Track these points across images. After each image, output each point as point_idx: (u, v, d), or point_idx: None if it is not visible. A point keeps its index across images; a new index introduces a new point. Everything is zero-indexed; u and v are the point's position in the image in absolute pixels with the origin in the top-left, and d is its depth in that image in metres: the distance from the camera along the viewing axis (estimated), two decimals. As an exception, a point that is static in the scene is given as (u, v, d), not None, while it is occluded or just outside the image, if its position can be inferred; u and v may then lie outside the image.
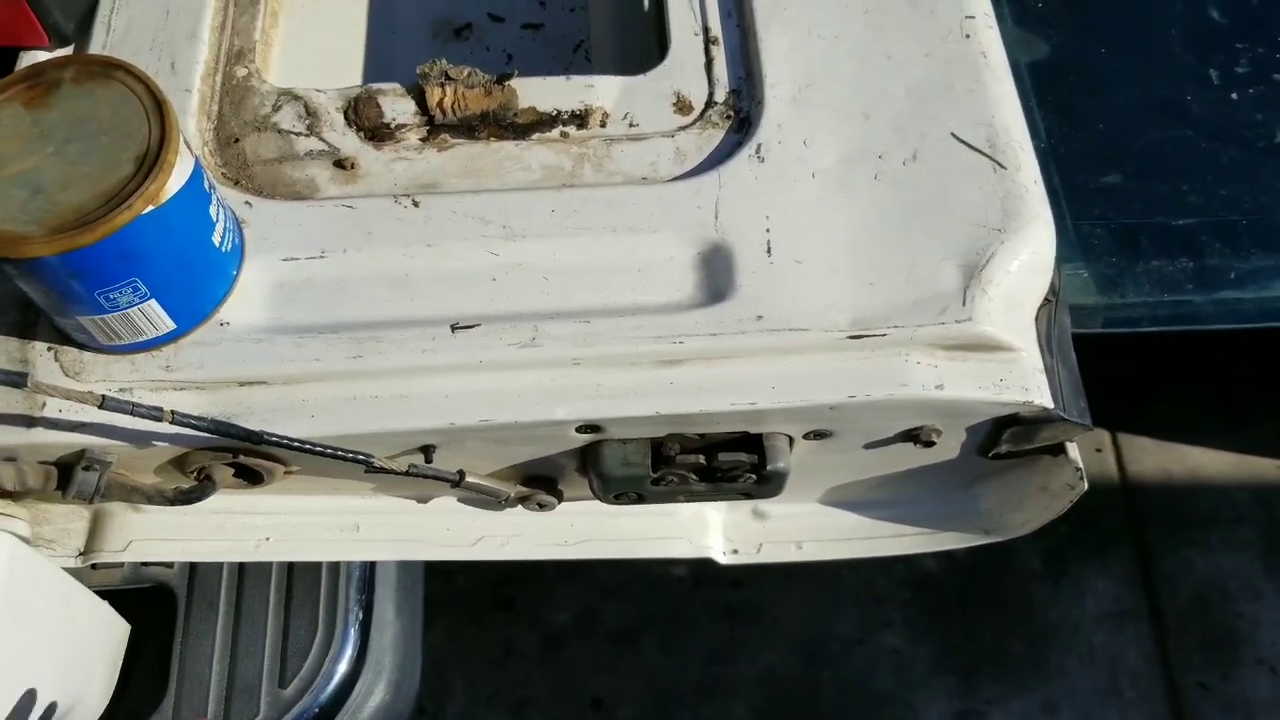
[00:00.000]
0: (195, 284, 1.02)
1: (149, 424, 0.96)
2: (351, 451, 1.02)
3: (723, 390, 1.05)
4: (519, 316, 1.06)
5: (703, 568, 2.87)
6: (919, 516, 1.31)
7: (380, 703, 1.34)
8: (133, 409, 0.92)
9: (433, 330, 1.05)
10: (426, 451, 1.08)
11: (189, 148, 0.98)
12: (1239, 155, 1.32)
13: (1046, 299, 1.15)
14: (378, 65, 1.57)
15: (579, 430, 1.08)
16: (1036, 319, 1.13)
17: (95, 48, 1.24)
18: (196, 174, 0.98)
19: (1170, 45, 1.43)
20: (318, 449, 0.99)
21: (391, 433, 1.04)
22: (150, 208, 0.91)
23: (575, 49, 1.69)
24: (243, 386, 1.04)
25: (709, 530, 1.30)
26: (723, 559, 1.30)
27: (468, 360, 1.03)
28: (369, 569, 1.34)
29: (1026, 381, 1.07)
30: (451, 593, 2.85)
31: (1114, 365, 3.03)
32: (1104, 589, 2.92)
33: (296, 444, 0.98)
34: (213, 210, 1.01)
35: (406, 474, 1.06)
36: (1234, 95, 1.38)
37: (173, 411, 0.94)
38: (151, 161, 0.91)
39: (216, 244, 1.02)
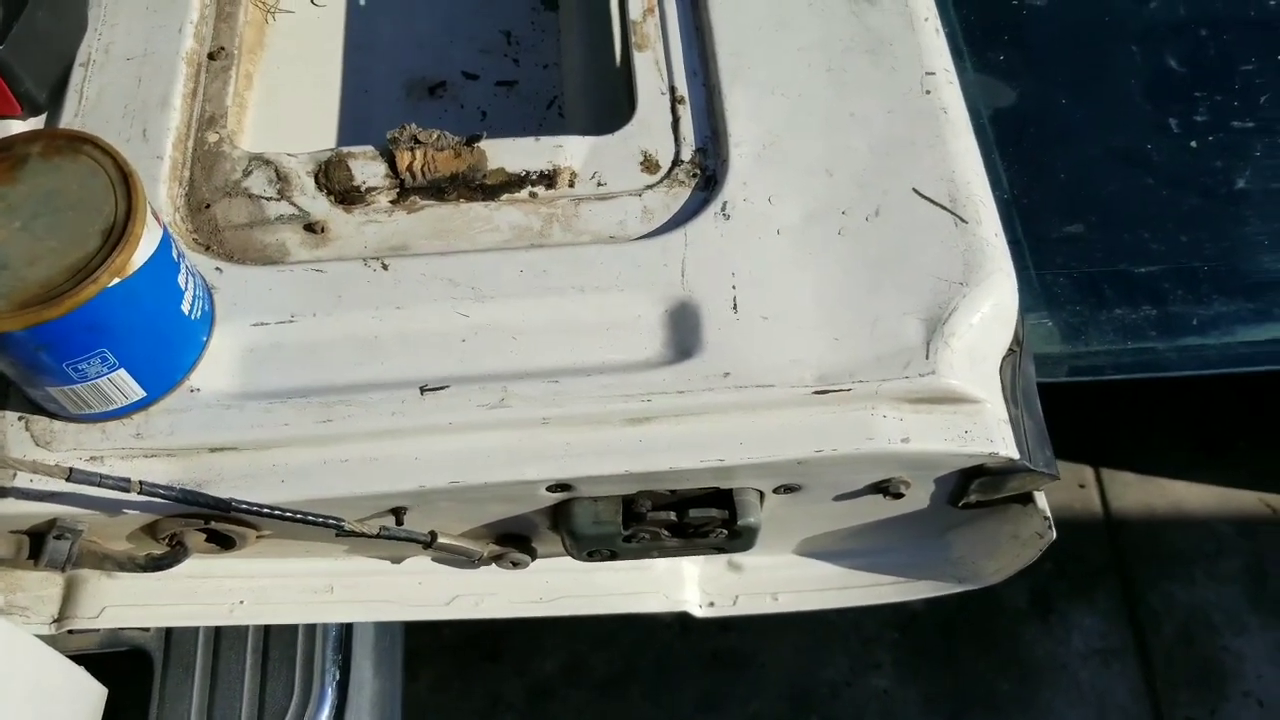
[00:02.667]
0: (164, 352, 1.03)
1: (118, 494, 0.96)
2: (322, 516, 1.02)
3: (692, 447, 1.05)
4: (488, 377, 1.07)
5: (691, 616, 2.86)
6: (893, 566, 1.31)
7: (359, 763, 1.32)
8: (100, 480, 0.92)
9: (402, 393, 1.05)
10: (398, 513, 1.08)
11: (157, 219, 0.98)
12: (1199, 202, 1.35)
13: (1011, 349, 1.16)
14: (352, 125, 1.59)
15: (549, 489, 1.08)
16: (1001, 370, 1.14)
17: (68, 116, 1.25)
18: (164, 244, 0.99)
19: (1130, 95, 1.46)
20: (287, 515, 0.99)
21: (362, 496, 1.04)
22: (117, 280, 0.92)
23: (549, 105, 1.71)
24: (213, 453, 1.04)
25: (685, 584, 1.30)
26: (699, 612, 1.30)
27: (437, 422, 1.04)
28: (345, 629, 1.33)
29: (991, 433, 1.08)
30: (438, 644, 2.83)
31: (1095, 401, 3.05)
32: (1090, 626, 2.91)
33: (266, 511, 0.98)
34: (181, 279, 1.02)
35: (378, 536, 1.06)
36: (1193, 143, 1.41)
37: (140, 482, 0.94)
38: (118, 235, 0.92)
39: (185, 312, 1.03)
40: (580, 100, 1.68)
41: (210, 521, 1.05)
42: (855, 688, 2.86)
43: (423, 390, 1.05)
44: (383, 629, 1.41)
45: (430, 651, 2.82)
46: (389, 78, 1.70)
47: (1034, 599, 2.96)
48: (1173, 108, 1.43)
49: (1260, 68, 1.48)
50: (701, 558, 1.32)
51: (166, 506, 1.02)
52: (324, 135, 1.57)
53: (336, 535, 1.04)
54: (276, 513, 0.98)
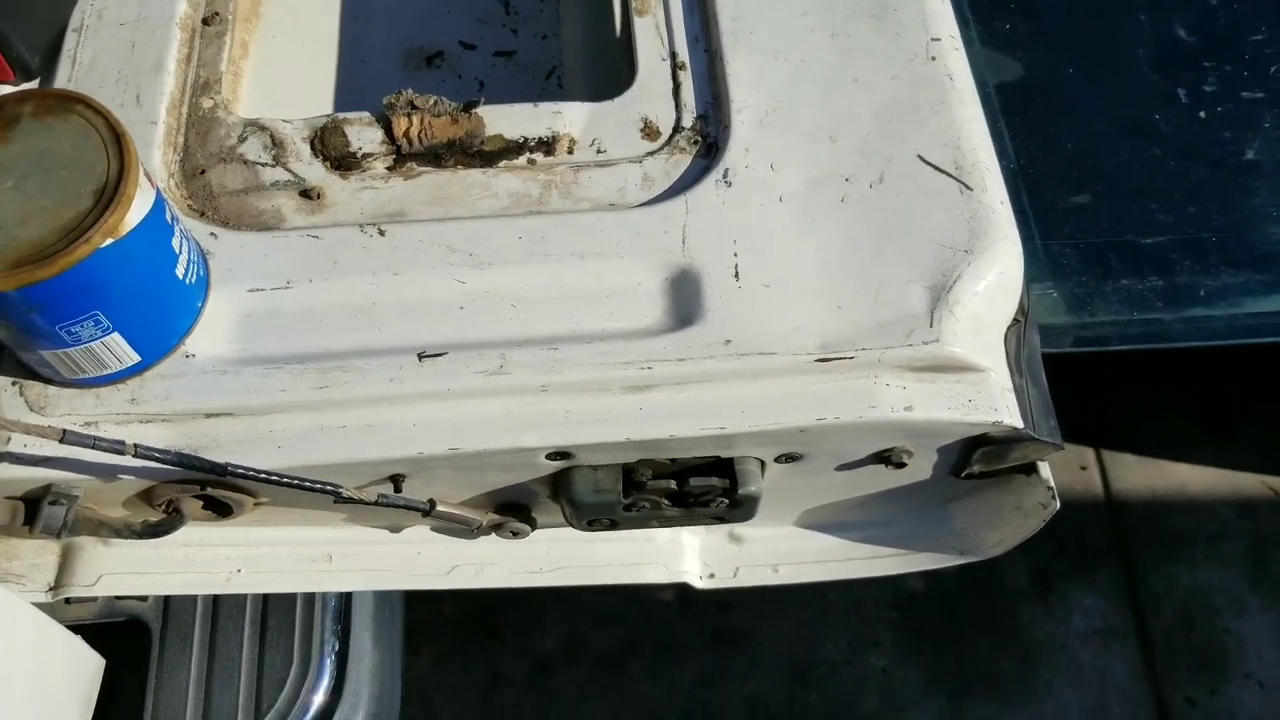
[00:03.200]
0: (159, 316, 1.01)
1: (112, 458, 0.95)
2: (319, 482, 1.01)
3: (692, 415, 1.04)
4: (486, 344, 1.05)
5: (689, 591, 2.85)
6: (894, 538, 1.30)
7: (358, 732, 1.32)
8: (95, 443, 0.91)
9: (400, 359, 1.04)
10: (396, 481, 1.07)
11: (150, 180, 0.97)
12: (1208, 173, 1.33)
13: (1015, 319, 1.15)
14: (349, 94, 1.57)
15: (549, 457, 1.07)
16: (1005, 339, 1.13)
17: (60, 81, 1.23)
18: (158, 207, 0.97)
19: (1138, 65, 1.44)
20: (284, 480, 0.98)
21: (359, 463, 1.03)
22: (109, 241, 0.90)
23: (548, 76, 1.69)
24: (209, 418, 1.03)
25: (685, 555, 1.29)
26: (699, 584, 1.29)
27: (435, 389, 1.03)
28: (345, 600, 1.32)
29: (995, 401, 1.06)
30: (439, 620, 2.83)
31: (1098, 381, 3.04)
32: (1091, 606, 2.91)
33: (263, 476, 0.97)
34: (175, 242, 1.00)
35: (376, 504, 1.05)
36: (1202, 114, 1.39)
37: (135, 445, 0.93)
38: (110, 195, 0.90)
39: (180, 276, 1.02)
40: (579, 71, 1.67)
41: (207, 488, 1.04)
42: (854, 666, 2.86)
43: (421, 357, 1.04)
44: (382, 600, 1.41)
45: (431, 627, 2.82)
46: (386, 47, 1.68)
47: (1034, 579, 2.96)
48: (1181, 78, 1.41)
49: (1270, 37, 1.45)
50: (702, 530, 1.31)
51: (162, 472, 1.01)
52: (320, 103, 1.55)
53: (334, 502, 1.03)
54: (273, 478, 0.97)
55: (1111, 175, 1.33)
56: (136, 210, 0.92)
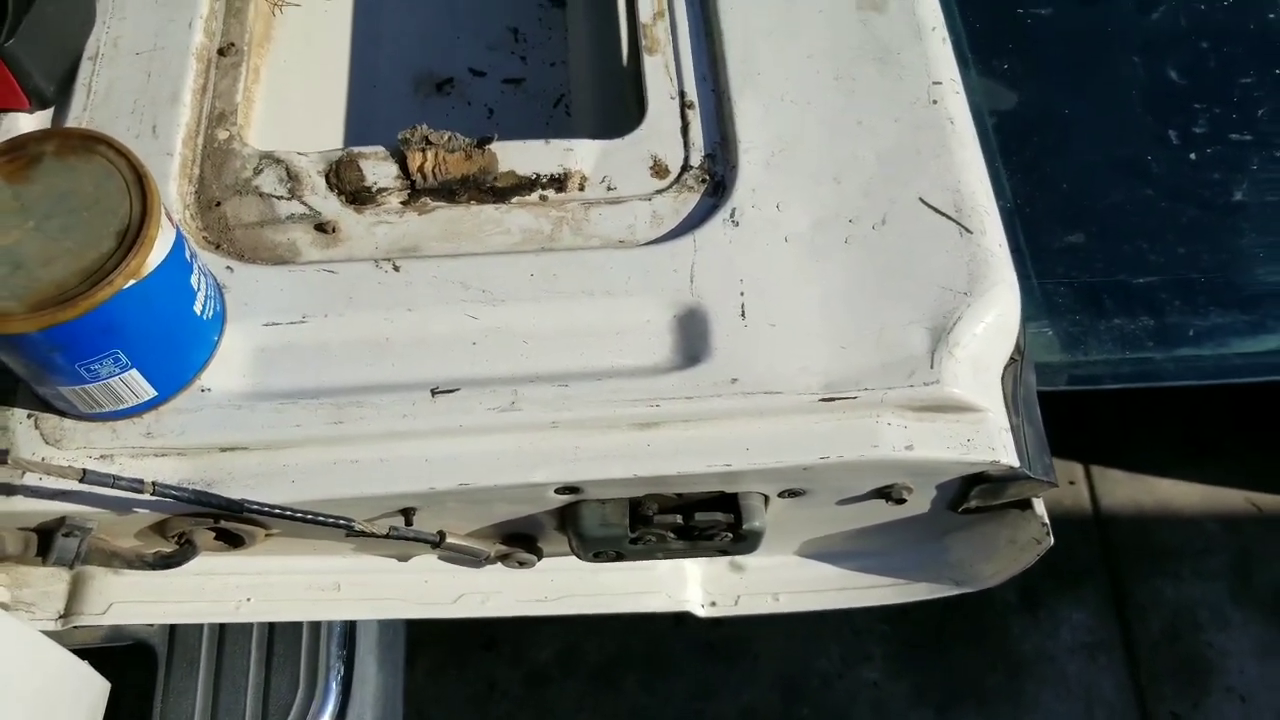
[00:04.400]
0: (176, 352, 1.02)
1: (131, 495, 0.96)
2: (333, 517, 1.02)
3: (699, 452, 1.06)
4: (498, 380, 1.07)
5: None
6: (892, 568, 1.32)
7: (361, 757, 1.33)
8: (114, 482, 0.92)
9: (413, 395, 1.05)
10: (407, 514, 1.08)
11: (170, 220, 0.98)
12: (1198, 214, 1.35)
13: (1012, 358, 1.17)
14: (360, 122, 1.58)
15: (558, 492, 1.08)
16: (1003, 378, 1.15)
17: (76, 111, 1.24)
18: (178, 245, 0.98)
19: (1131, 105, 1.47)
20: (299, 515, 0.99)
21: (372, 497, 1.04)
22: (131, 282, 0.91)
23: (555, 104, 1.71)
24: (224, 452, 1.04)
25: (687, 584, 1.31)
26: (701, 612, 1.31)
27: (447, 425, 1.04)
28: (350, 625, 1.33)
29: (993, 441, 1.08)
30: (435, 631, 2.84)
31: (1087, 399, 3.07)
32: (1078, 620, 2.94)
33: (278, 511, 0.98)
34: (194, 279, 1.02)
35: (387, 536, 1.06)
36: (1192, 155, 1.41)
37: (154, 484, 0.94)
38: (133, 237, 0.91)
39: (198, 312, 1.03)
40: (588, 99, 1.68)
41: (220, 520, 1.05)
42: (846, 679, 2.88)
43: (434, 392, 1.05)
44: (386, 625, 1.42)
45: (428, 638, 2.83)
46: (396, 73, 1.70)
47: (1023, 594, 2.99)
48: (1172, 119, 1.43)
49: (1259, 80, 1.48)
50: (705, 559, 1.33)
51: (177, 506, 1.02)
52: (331, 131, 1.57)
53: (346, 535, 1.05)
54: (288, 513, 0.98)
55: (1105, 215, 1.35)
56: (158, 251, 0.94)
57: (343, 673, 1.30)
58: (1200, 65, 1.50)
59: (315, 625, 1.29)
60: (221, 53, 1.33)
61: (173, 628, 1.30)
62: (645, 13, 1.36)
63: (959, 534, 1.29)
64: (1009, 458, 1.08)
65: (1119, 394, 3.11)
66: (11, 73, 1.22)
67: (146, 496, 0.95)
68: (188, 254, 1.01)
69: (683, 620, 2.88)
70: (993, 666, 2.91)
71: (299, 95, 1.59)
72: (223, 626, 1.29)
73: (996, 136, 1.41)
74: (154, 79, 1.27)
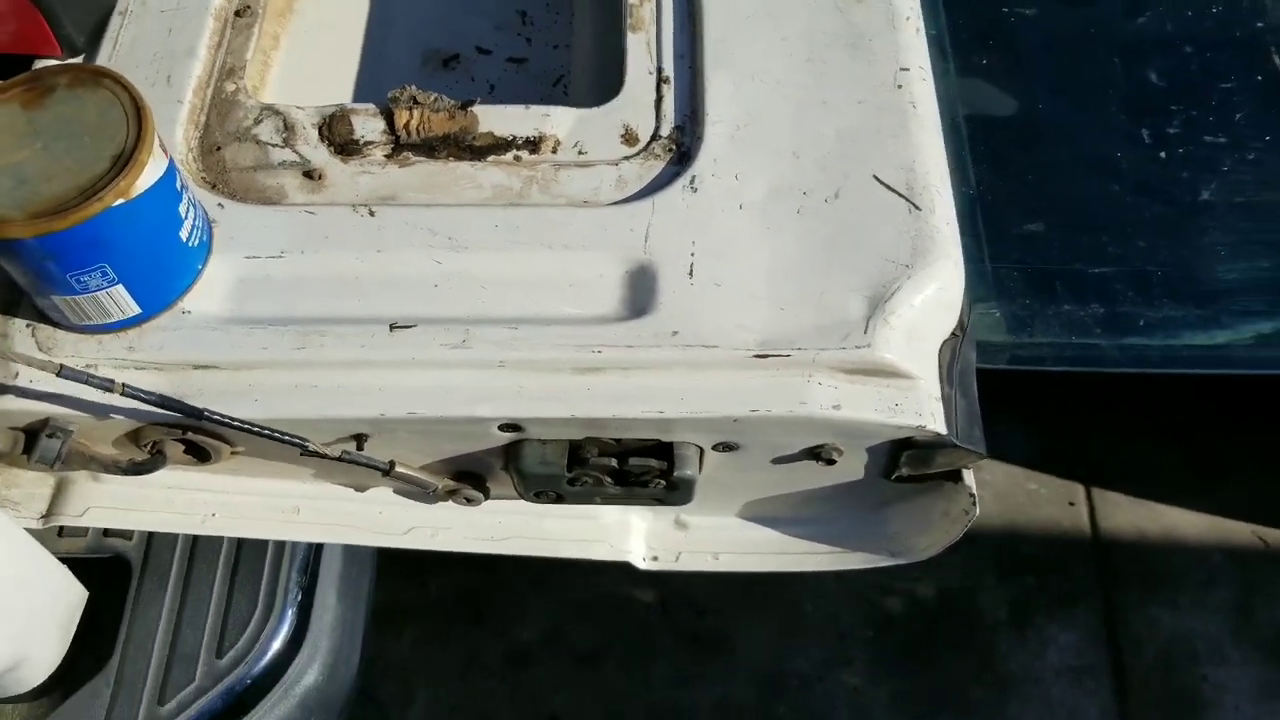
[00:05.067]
0: (161, 274, 1.12)
1: (102, 394, 1.06)
2: (289, 434, 1.11)
3: (635, 398, 1.13)
4: (454, 320, 1.16)
5: (671, 594, 2.93)
6: (831, 536, 1.38)
7: (314, 683, 1.42)
8: (87, 379, 1.02)
9: (373, 328, 1.14)
10: (359, 439, 1.17)
11: (164, 151, 1.08)
12: (1162, 211, 1.40)
13: (954, 334, 1.23)
14: (366, 89, 1.68)
15: (501, 428, 1.16)
16: (940, 351, 1.21)
17: (102, 58, 1.36)
18: (169, 174, 1.09)
19: (1107, 105, 1.52)
20: (256, 429, 1.09)
21: (327, 419, 1.13)
22: (120, 201, 1.02)
23: (555, 83, 1.80)
24: (196, 369, 1.14)
25: (631, 536, 1.38)
26: (642, 564, 1.38)
27: (401, 357, 1.13)
28: (312, 554, 1.42)
29: (921, 407, 1.15)
30: (425, 603, 2.93)
31: (1091, 421, 3.09)
32: (1068, 642, 2.94)
33: (236, 423, 1.07)
34: (182, 208, 1.12)
35: (339, 459, 1.15)
36: (1163, 154, 1.46)
37: (124, 384, 1.04)
38: (125, 160, 1.02)
39: (184, 239, 1.13)
40: (585, 80, 1.77)
41: (188, 432, 1.15)
42: (827, 682, 2.92)
43: (392, 327, 1.14)
44: (350, 559, 1.51)
45: (416, 610, 2.92)
46: (407, 47, 1.80)
47: (1014, 611, 3.00)
48: (1147, 119, 1.48)
49: (1239, 85, 1.53)
50: (650, 515, 1.40)
51: (149, 414, 1.11)
52: (339, 95, 1.67)
53: (301, 455, 1.14)
54: (246, 426, 1.08)
55: (1067, 207, 1.40)
56: (148, 176, 1.04)
57: (300, 598, 1.39)
58: (1181, 69, 1.55)
59: (278, 550, 1.39)
60: (238, 14, 1.45)
61: (149, 544, 1.40)
62: (633, -5, 1.45)
63: (897, 506, 1.35)
64: (936, 425, 1.15)
65: (1125, 417, 3.13)
66: (47, 22, 1.34)
67: (116, 396, 1.05)
68: (178, 184, 1.11)
69: (669, 610, 2.94)
70: (976, 681, 2.92)
71: (313, 62, 1.69)
72: (194, 545, 1.39)
73: (968, 127, 1.47)
74: (174, 34, 1.38)
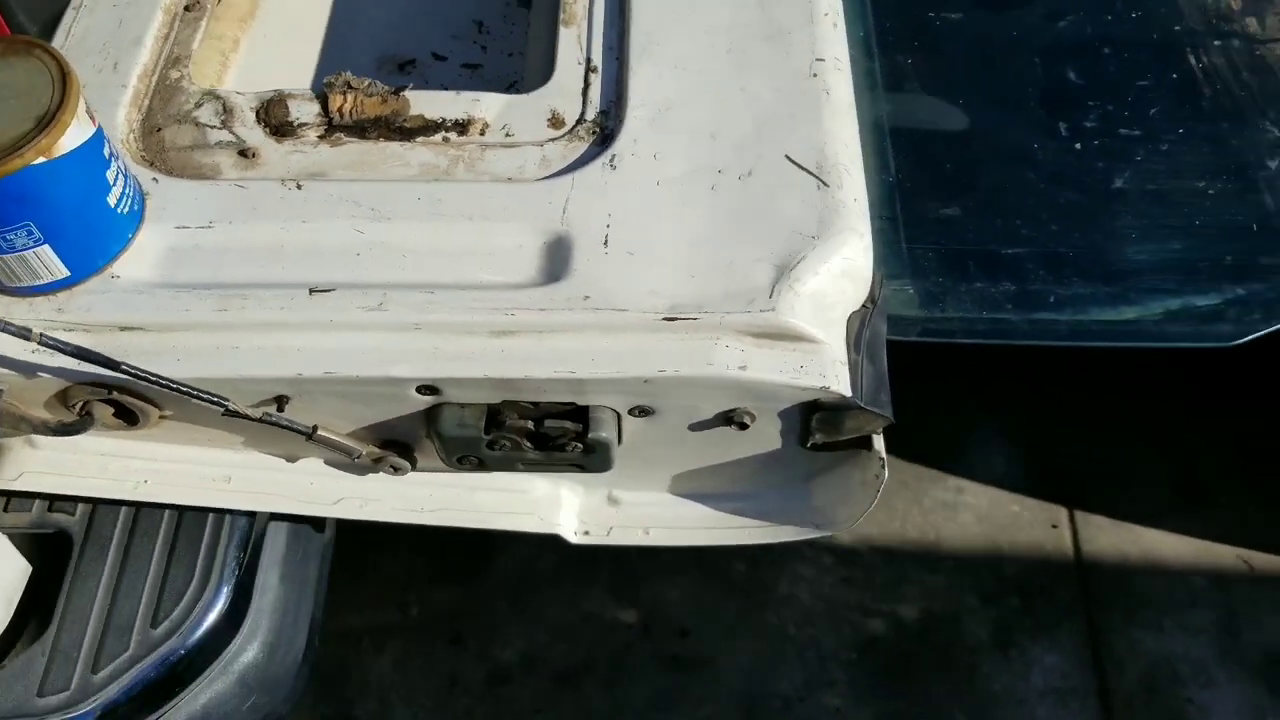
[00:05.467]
0: (88, 237, 1.17)
1: (24, 347, 1.09)
2: (208, 393, 1.14)
3: (547, 360, 1.16)
4: (372, 286, 1.19)
5: (653, 615, 2.92)
6: (759, 510, 1.39)
7: (253, 660, 1.43)
8: (4, 327, 1.06)
9: (293, 292, 1.18)
10: (280, 401, 1.20)
11: (92, 118, 1.13)
12: (1076, 198, 1.42)
13: (864, 305, 1.25)
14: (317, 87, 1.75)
15: (420, 391, 1.19)
16: (849, 320, 1.23)
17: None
18: (95, 140, 1.13)
19: (1026, 101, 1.55)
20: (173, 385, 1.12)
21: (246, 379, 1.16)
22: (42, 159, 1.06)
23: (508, 88, 1.85)
24: (123, 331, 1.17)
25: (562, 510, 1.39)
26: (573, 539, 1.39)
27: (319, 319, 1.16)
28: (253, 532, 1.44)
29: (825, 370, 1.17)
30: (404, 624, 2.92)
31: (1075, 442, 3.08)
32: (1052, 664, 2.90)
33: (154, 378, 1.10)
34: (110, 174, 1.16)
35: (260, 420, 1.17)
36: (1078, 145, 1.49)
37: (40, 334, 1.07)
38: (48, 120, 1.06)
39: (112, 205, 1.17)
40: (537, 84, 1.82)
41: (113, 392, 1.18)
42: (808, 703, 2.88)
43: (311, 291, 1.18)
44: (295, 541, 1.52)
45: (396, 629, 2.92)
46: (364, 52, 1.86)
47: (997, 632, 2.96)
48: (1065, 114, 1.51)
49: (1155, 83, 1.56)
50: (583, 489, 1.42)
51: (74, 374, 1.15)
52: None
53: (223, 414, 1.16)
54: (163, 382, 1.11)
55: (984, 194, 1.43)
56: (71, 137, 1.08)
57: (240, 574, 1.40)
58: (1100, 68, 1.58)
59: (218, 525, 1.40)
60: (188, 8, 1.51)
61: (91, 518, 1.42)
62: (569, -8, 1.51)
63: (820, 479, 1.36)
64: (841, 387, 1.16)
65: (1109, 439, 3.11)
66: (3, 13, 1.41)
67: (35, 346, 1.08)
68: (106, 151, 1.16)
69: (650, 630, 2.92)
70: (959, 703, 2.88)
71: (269, 65, 1.76)
72: (135, 519, 1.41)
73: (890, 121, 1.51)
74: (124, 25, 1.45)
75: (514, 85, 1.86)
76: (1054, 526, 3.14)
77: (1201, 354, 1.37)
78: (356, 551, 2.77)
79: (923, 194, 1.41)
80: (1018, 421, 3.11)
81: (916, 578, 3.04)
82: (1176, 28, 1.63)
